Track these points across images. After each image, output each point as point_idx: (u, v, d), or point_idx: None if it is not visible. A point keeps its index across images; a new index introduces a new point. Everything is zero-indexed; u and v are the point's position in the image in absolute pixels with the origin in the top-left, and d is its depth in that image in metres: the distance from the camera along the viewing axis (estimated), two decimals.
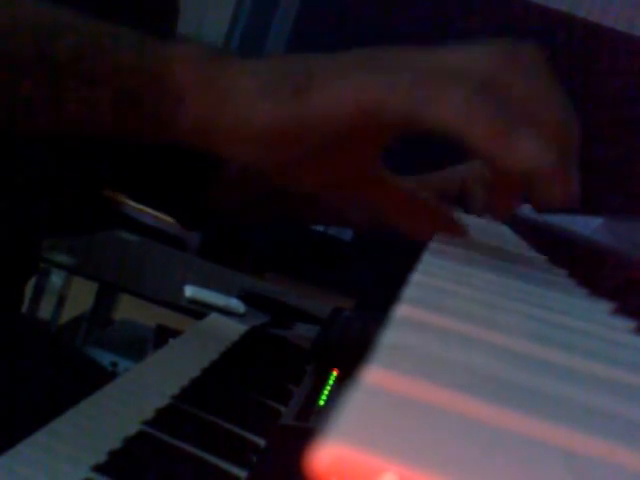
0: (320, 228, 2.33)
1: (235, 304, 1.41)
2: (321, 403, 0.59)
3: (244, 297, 1.46)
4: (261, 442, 0.52)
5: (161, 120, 0.46)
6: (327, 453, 0.13)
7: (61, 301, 1.95)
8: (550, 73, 0.44)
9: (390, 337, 0.20)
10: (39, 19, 0.46)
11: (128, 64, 0.45)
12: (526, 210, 0.90)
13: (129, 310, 2.01)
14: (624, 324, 0.31)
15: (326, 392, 0.61)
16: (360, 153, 0.47)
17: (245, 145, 0.44)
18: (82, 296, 1.92)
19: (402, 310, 0.23)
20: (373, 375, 0.17)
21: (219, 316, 0.85)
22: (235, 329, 0.79)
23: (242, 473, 0.48)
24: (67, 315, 1.97)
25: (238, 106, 0.44)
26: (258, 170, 0.47)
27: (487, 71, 0.42)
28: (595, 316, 0.33)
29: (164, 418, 0.52)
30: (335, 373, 0.65)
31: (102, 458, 0.45)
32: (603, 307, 0.35)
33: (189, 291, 1.46)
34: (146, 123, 0.46)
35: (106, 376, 0.79)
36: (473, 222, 0.67)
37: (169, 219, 1.93)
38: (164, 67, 0.45)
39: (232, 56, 0.46)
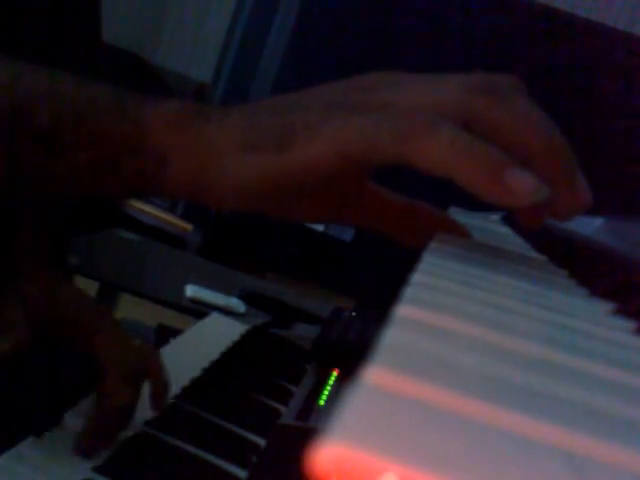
0: (320, 228, 2.33)
1: (236, 304, 1.41)
2: (321, 403, 0.59)
3: (245, 297, 1.46)
4: (261, 442, 0.52)
5: (144, 182, 0.46)
6: (327, 453, 0.13)
7: None
8: (528, 98, 0.43)
9: (390, 337, 0.20)
10: (16, 88, 0.46)
11: (106, 133, 0.45)
12: None
13: (130, 309, 2.00)
14: (624, 324, 0.31)
15: (326, 392, 0.61)
16: (346, 180, 0.48)
17: (234, 198, 0.45)
18: None
19: (402, 310, 0.23)
20: (373, 375, 0.17)
21: (220, 316, 0.85)
22: (236, 329, 0.79)
23: (242, 473, 0.48)
24: None
25: (223, 163, 0.44)
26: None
27: (465, 106, 0.42)
28: (595, 316, 0.33)
29: (165, 418, 0.52)
30: (335, 373, 0.65)
31: (102, 458, 0.45)
32: (603, 307, 0.35)
33: (190, 290, 1.46)
34: (127, 186, 0.47)
35: None
36: (473, 222, 0.67)
37: (170, 218, 1.93)
38: (142, 133, 0.45)
39: (211, 110, 0.46)
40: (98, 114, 0.46)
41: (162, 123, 0.45)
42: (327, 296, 1.84)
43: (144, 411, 0.52)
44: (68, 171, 0.46)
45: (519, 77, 0.45)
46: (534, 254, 0.56)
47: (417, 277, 0.29)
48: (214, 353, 0.68)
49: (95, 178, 0.46)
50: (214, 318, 0.83)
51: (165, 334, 1.45)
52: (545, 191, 0.39)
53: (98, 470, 0.44)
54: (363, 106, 0.44)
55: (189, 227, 2.09)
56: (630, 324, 0.31)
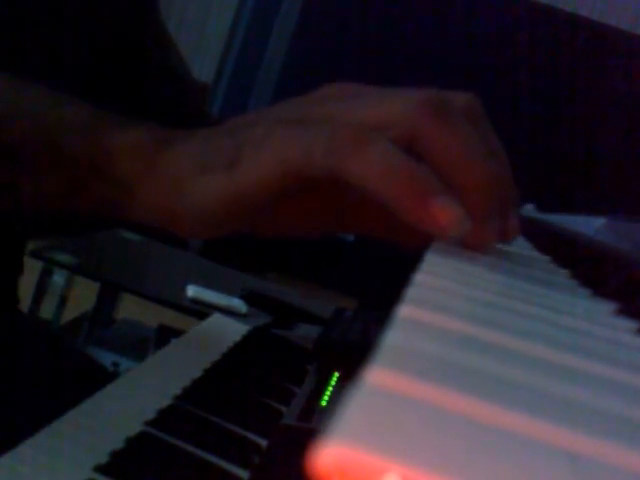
0: None
1: (237, 304, 1.41)
2: (323, 403, 0.59)
3: (246, 297, 1.46)
4: (263, 442, 0.52)
5: (109, 208, 0.46)
6: (329, 453, 0.13)
7: (63, 301, 1.95)
8: (480, 122, 0.43)
9: (392, 337, 0.20)
10: None
11: (70, 156, 0.46)
12: (528, 210, 0.90)
13: (131, 310, 2.01)
14: (627, 325, 0.31)
15: (328, 392, 0.61)
16: (323, 193, 0.48)
17: (198, 222, 0.45)
18: (84, 296, 1.92)
19: (405, 310, 0.23)
20: (375, 375, 0.17)
21: (221, 316, 0.85)
22: (237, 329, 0.79)
23: (244, 473, 0.48)
24: (69, 315, 1.97)
25: (180, 187, 0.45)
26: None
27: (408, 123, 0.41)
28: (598, 317, 0.33)
29: (166, 418, 0.52)
30: (337, 373, 0.65)
31: (104, 458, 0.45)
32: (606, 308, 0.35)
33: (191, 291, 1.46)
34: (95, 207, 0.47)
35: (108, 376, 0.79)
36: None
37: None
38: (109, 159, 0.45)
39: (175, 136, 0.46)
40: (68, 136, 0.46)
41: (128, 151, 0.46)
42: (329, 296, 1.84)
43: (144, 411, 0.52)
44: (34, 190, 0.46)
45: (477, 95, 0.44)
46: (536, 254, 0.56)
47: (419, 277, 0.29)
48: (215, 354, 0.68)
49: (62, 199, 0.47)
50: (215, 318, 0.83)
51: (166, 334, 1.46)
52: (467, 225, 0.39)
53: (100, 470, 0.44)
54: (308, 120, 0.44)
55: None
56: (632, 324, 0.31)
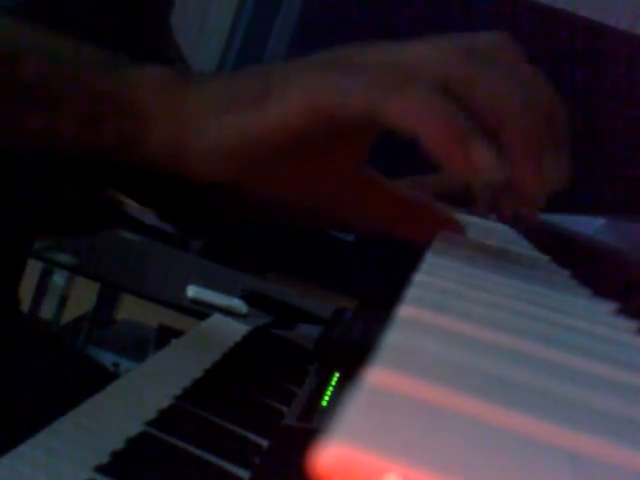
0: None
1: (237, 304, 1.41)
2: (324, 404, 0.59)
3: (246, 297, 1.46)
4: (264, 443, 0.52)
5: (126, 143, 0.46)
6: (330, 453, 0.13)
7: (63, 301, 1.95)
8: (516, 58, 0.42)
9: (393, 337, 0.20)
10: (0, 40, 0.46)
11: (89, 88, 0.45)
12: None
13: (131, 310, 2.00)
14: (627, 324, 0.31)
15: (329, 393, 0.61)
16: (340, 159, 0.47)
17: (216, 161, 0.45)
18: (84, 296, 1.92)
19: (405, 310, 0.23)
20: (376, 375, 0.17)
21: (221, 316, 0.85)
22: (237, 329, 0.79)
23: (244, 474, 0.48)
24: (69, 315, 1.97)
25: (202, 124, 0.44)
26: (236, 185, 0.48)
27: (444, 69, 0.41)
28: (598, 316, 0.33)
29: (166, 418, 0.52)
30: (338, 373, 0.65)
31: (104, 459, 0.45)
32: (606, 307, 0.35)
33: (191, 291, 1.46)
34: (109, 146, 0.46)
35: (108, 376, 0.79)
36: (476, 222, 0.67)
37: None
38: (128, 91, 0.45)
39: (196, 75, 0.46)
40: (83, 70, 0.46)
41: (146, 84, 0.45)
42: (329, 296, 1.83)
43: (145, 411, 0.52)
44: (48, 124, 0.46)
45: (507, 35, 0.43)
46: (536, 254, 0.56)
47: (419, 277, 0.29)
48: (216, 354, 0.68)
49: (76, 133, 0.46)
50: (216, 319, 0.83)
51: (166, 335, 1.46)
52: (504, 171, 0.39)
53: (100, 470, 0.44)
54: (339, 64, 0.43)
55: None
56: (632, 324, 0.31)
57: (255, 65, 0.47)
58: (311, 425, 0.55)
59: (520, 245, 0.61)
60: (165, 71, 0.46)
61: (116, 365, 1.51)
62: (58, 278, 1.93)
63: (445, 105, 0.39)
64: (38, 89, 0.45)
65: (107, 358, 1.55)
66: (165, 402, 0.55)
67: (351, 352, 0.68)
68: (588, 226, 0.66)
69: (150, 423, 0.51)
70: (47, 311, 1.89)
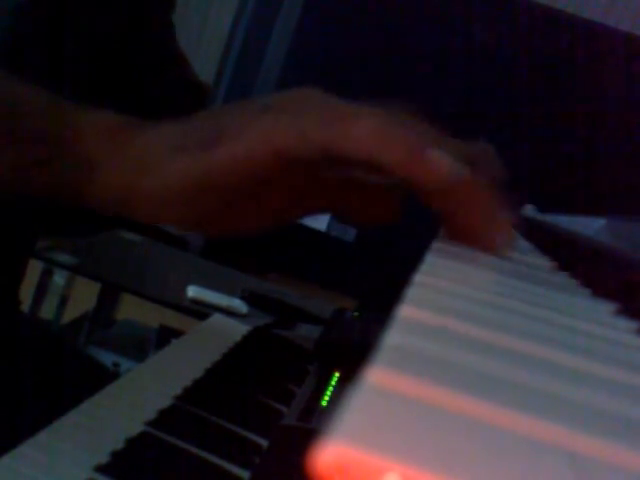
0: (323, 228, 2.33)
1: (238, 304, 1.41)
2: (324, 404, 0.59)
3: (247, 297, 1.46)
4: (264, 443, 0.52)
5: (73, 189, 0.45)
6: (330, 453, 0.13)
7: (63, 301, 1.95)
8: (413, 129, 0.44)
9: (393, 338, 0.20)
10: None
11: (34, 132, 0.45)
12: (529, 210, 0.90)
13: (131, 310, 2.01)
14: (627, 325, 0.31)
15: (329, 392, 0.61)
16: (284, 191, 0.47)
17: (164, 206, 0.44)
18: (84, 296, 1.92)
19: (405, 311, 0.23)
20: (376, 375, 0.17)
21: (222, 316, 0.85)
22: (238, 329, 0.79)
23: (244, 474, 0.48)
24: (69, 315, 1.97)
25: (151, 169, 0.44)
26: (187, 229, 0.48)
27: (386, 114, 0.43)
28: (598, 317, 0.33)
29: (166, 418, 0.52)
30: (338, 373, 0.65)
31: (104, 459, 0.45)
32: (606, 308, 0.35)
33: (192, 291, 1.46)
34: (55, 191, 0.46)
35: (108, 376, 0.79)
36: None
37: None
38: (73, 138, 0.45)
39: (143, 123, 0.46)
40: (32, 113, 0.46)
41: (95, 129, 0.45)
42: (329, 297, 1.84)
43: (145, 411, 0.52)
44: None
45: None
46: (536, 255, 0.56)
47: (419, 278, 0.29)
48: (216, 354, 0.68)
49: (19, 177, 0.46)
50: (216, 319, 0.83)
51: (167, 335, 1.46)
52: (462, 170, 0.40)
53: (100, 470, 0.44)
54: (288, 110, 0.44)
55: None
56: (632, 324, 0.31)
57: (214, 107, 0.47)
58: (311, 425, 0.55)
59: (520, 246, 0.61)
60: (112, 116, 0.46)
61: (116, 365, 1.51)
62: (58, 278, 1.93)
63: (395, 125, 0.41)
64: None
65: (107, 358, 1.55)
66: (165, 402, 0.55)
67: (351, 352, 0.68)
68: (588, 226, 0.66)
69: (150, 423, 0.51)
70: (47, 311, 1.89)
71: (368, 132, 0.41)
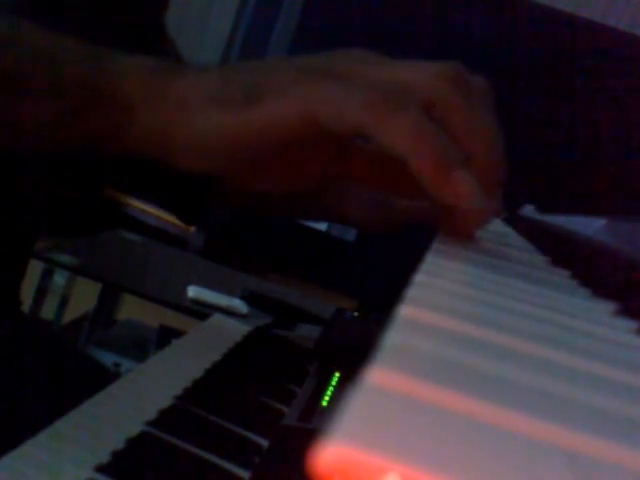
0: (323, 228, 2.33)
1: (238, 305, 1.41)
2: (324, 404, 0.59)
3: (247, 298, 1.46)
4: (264, 443, 0.52)
5: (108, 132, 0.45)
6: (330, 453, 0.13)
7: (64, 301, 1.95)
8: (491, 106, 0.45)
9: (393, 338, 0.20)
10: None
11: (71, 80, 0.45)
12: (528, 211, 0.90)
13: (132, 310, 2.01)
14: (626, 325, 0.31)
15: (329, 393, 0.61)
16: (320, 151, 0.48)
17: (199, 154, 0.45)
18: (85, 296, 1.92)
19: (405, 311, 0.23)
20: (376, 376, 0.17)
21: (222, 317, 0.85)
22: (238, 330, 0.79)
23: (245, 474, 0.48)
24: (70, 315, 1.97)
25: (190, 116, 0.44)
26: (217, 177, 0.48)
27: (435, 90, 0.43)
28: (597, 317, 0.33)
29: (167, 419, 0.52)
30: (338, 373, 0.65)
31: (105, 459, 0.45)
32: (605, 308, 0.35)
33: (192, 291, 1.46)
34: (96, 136, 0.46)
35: (109, 376, 0.79)
36: None
37: (172, 219, 1.93)
38: (112, 81, 0.45)
39: (184, 67, 0.46)
40: (69, 61, 0.46)
41: (136, 71, 0.45)
42: (329, 297, 1.83)
43: (145, 411, 0.52)
44: (31, 117, 0.46)
45: (490, 81, 0.47)
46: (536, 255, 0.56)
47: (419, 278, 0.29)
48: (216, 354, 0.68)
49: (60, 127, 0.46)
50: (216, 319, 0.83)
51: (167, 335, 1.45)
52: (481, 201, 0.42)
53: (101, 470, 0.44)
54: (332, 75, 0.44)
55: (191, 228, 2.09)
56: (632, 324, 0.31)
57: (250, 61, 0.47)
58: (311, 425, 0.55)
59: (520, 246, 0.61)
60: (150, 61, 0.46)
61: (117, 365, 1.51)
62: (59, 278, 1.93)
63: (434, 133, 0.41)
64: (19, 81, 0.45)
65: (108, 358, 1.55)
66: (165, 402, 0.55)
67: (351, 352, 0.68)
68: (588, 227, 0.66)
69: (150, 423, 0.51)
70: (48, 311, 1.89)
71: (404, 132, 0.41)
